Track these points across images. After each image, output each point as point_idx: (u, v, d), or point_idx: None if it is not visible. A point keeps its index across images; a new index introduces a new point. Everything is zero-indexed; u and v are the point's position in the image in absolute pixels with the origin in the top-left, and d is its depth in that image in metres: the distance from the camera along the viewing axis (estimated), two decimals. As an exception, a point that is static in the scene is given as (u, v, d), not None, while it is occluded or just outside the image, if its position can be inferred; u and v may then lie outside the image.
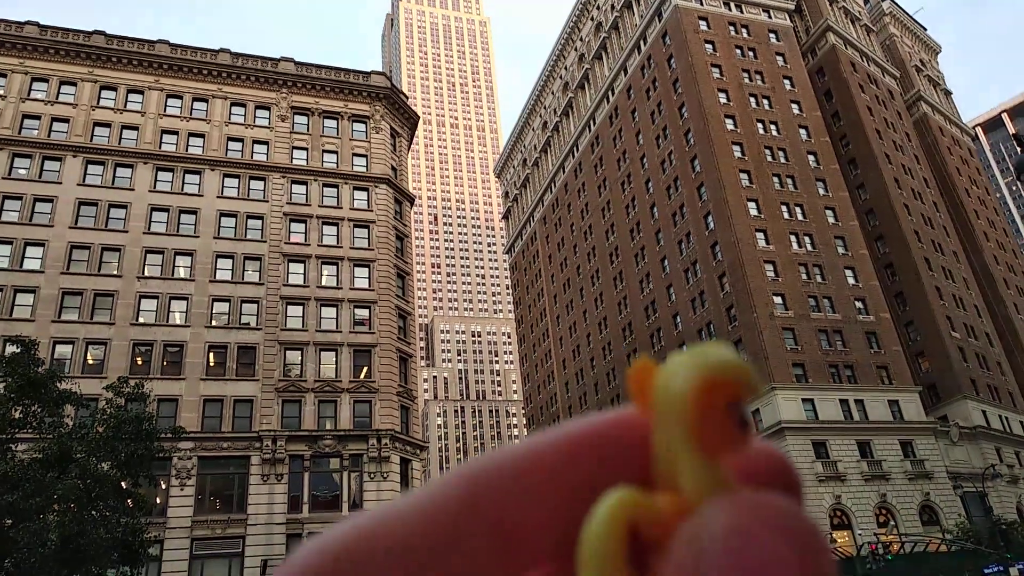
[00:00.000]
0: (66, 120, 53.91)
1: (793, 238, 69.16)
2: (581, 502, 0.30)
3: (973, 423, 66.06)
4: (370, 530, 0.31)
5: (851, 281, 68.20)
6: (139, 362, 46.46)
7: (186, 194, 53.75)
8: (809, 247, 69.10)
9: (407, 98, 68.34)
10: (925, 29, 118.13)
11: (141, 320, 48.02)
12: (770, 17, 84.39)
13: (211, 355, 48.39)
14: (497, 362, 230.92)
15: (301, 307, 51.85)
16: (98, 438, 28.42)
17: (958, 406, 68.01)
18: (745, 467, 0.29)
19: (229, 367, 48.19)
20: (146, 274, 49.90)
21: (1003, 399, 74.43)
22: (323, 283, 53.37)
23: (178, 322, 48.82)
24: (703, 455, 0.27)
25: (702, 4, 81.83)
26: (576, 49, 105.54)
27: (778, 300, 64.81)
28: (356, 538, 0.31)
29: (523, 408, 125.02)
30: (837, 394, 61.55)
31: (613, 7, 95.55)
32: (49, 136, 52.89)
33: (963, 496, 52.77)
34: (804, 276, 67.08)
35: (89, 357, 45.90)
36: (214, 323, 49.45)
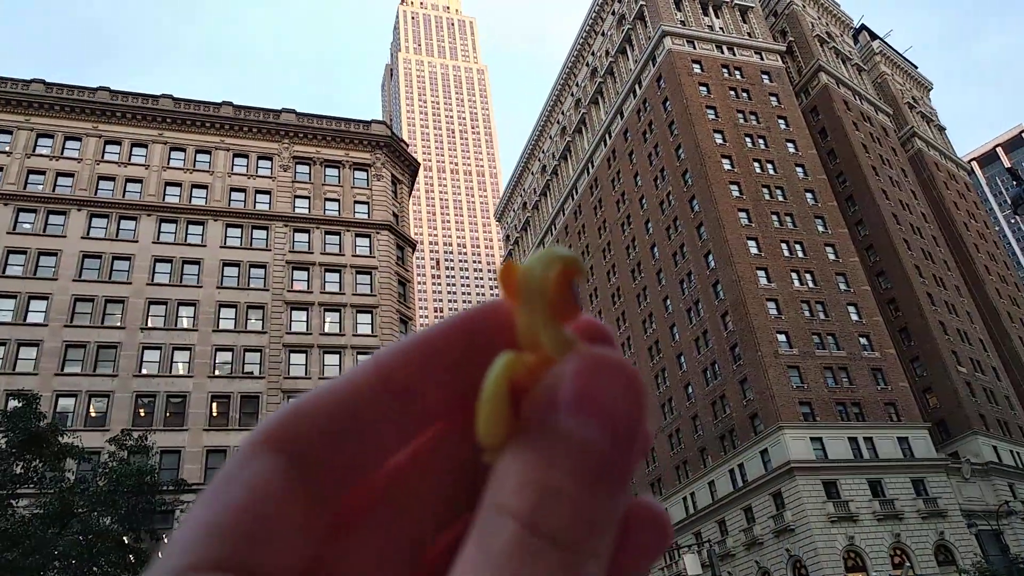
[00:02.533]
0: (71, 175, 54.54)
1: (794, 275, 69.25)
2: (468, 365, 0.40)
3: (984, 459, 65.16)
4: (320, 399, 0.39)
5: (854, 317, 68.04)
6: (142, 414, 46.17)
7: (189, 244, 54.09)
8: (811, 284, 69.14)
9: (407, 145, 69.22)
10: (916, 67, 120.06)
11: (144, 371, 47.87)
12: (762, 59, 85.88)
13: (214, 405, 48.11)
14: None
15: (304, 355, 51.75)
16: (99, 492, 28.15)
17: (968, 442, 67.19)
18: (579, 329, 0.40)
19: (232, 417, 47.87)
20: (149, 325, 49.91)
21: (1013, 434, 73.56)
22: (326, 330, 53.35)
23: (181, 372, 48.66)
24: (556, 321, 0.38)
25: (695, 48, 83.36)
26: (573, 94, 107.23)
27: (782, 338, 64.58)
28: (314, 404, 0.39)
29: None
30: (846, 432, 60.87)
31: (608, 52, 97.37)
32: (54, 191, 53.47)
33: (978, 534, 51.80)
34: (807, 313, 66.96)
35: (92, 410, 45.63)
36: (217, 373, 49.27)
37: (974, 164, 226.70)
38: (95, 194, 54.22)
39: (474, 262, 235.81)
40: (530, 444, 0.34)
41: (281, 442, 0.38)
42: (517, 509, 0.32)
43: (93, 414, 45.51)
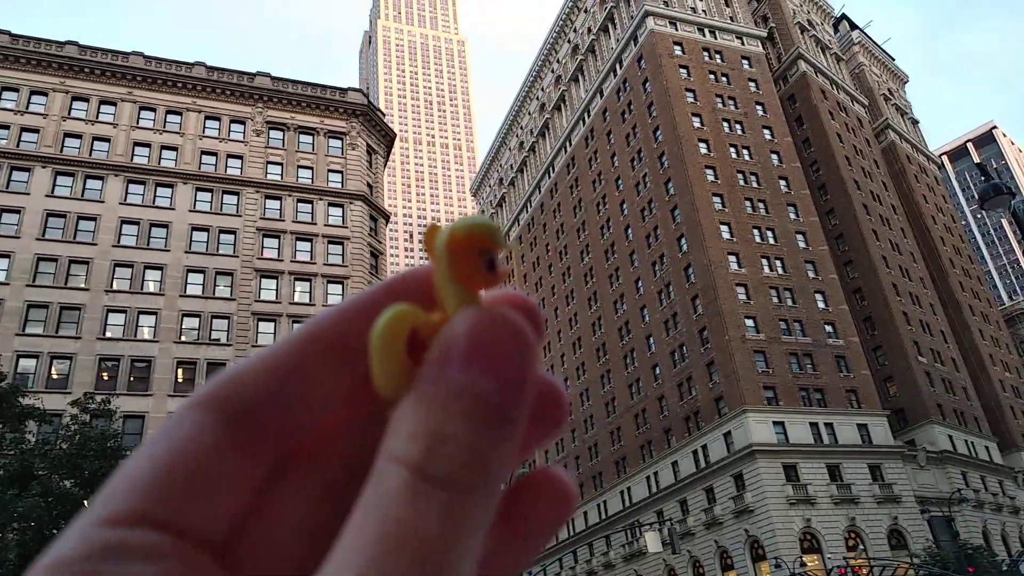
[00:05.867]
0: (36, 131, 52.98)
1: (764, 262, 70.05)
2: None
3: (940, 448, 67.01)
4: (258, 360, 0.41)
5: (821, 305, 69.14)
6: (105, 377, 45.43)
7: (158, 207, 52.99)
8: (780, 271, 70.01)
9: (384, 115, 68.30)
10: (893, 59, 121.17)
11: (108, 335, 47.02)
12: (743, 44, 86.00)
13: (180, 371, 47.49)
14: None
15: (273, 323, 51.22)
16: (61, 455, 27.70)
17: (925, 431, 68.98)
18: (498, 300, 0.42)
19: (198, 383, 47.23)
20: (114, 288, 48.94)
21: (969, 424, 75.66)
22: (295, 299, 52.82)
23: (146, 337, 47.88)
24: (458, 283, 0.40)
25: (676, 29, 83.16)
26: (553, 71, 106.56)
27: (750, 323, 65.46)
28: (252, 366, 0.41)
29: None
30: (807, 417, 62.14)
31: (590, 30, 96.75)
32: (18, 146, 51.93)
33: (930, 520, 53.35)
34: (775, 300, 67.87)
35: (54, 372, 44.79)
36: (183, 339, 48.58)
37: (945, 158, 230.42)
38: (61, 151, 52.79)
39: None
40: (424, 394, 0.36)
41: (217, 401, 0.40)
42: (408, 456, 0.34)
43: (55, 376, 44.69)
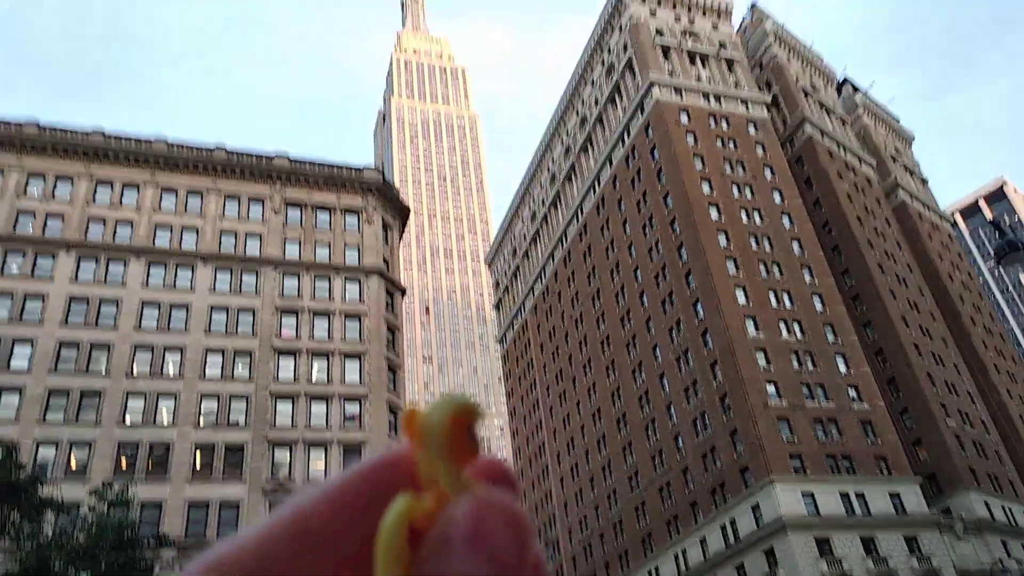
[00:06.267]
0: (61, 216, 54.34)
1: (783, 325, 69.41)
2: (377, 511, 0.44)
3: (977, 515, 64.49)
4: (239, 545, 0.43)
5: (842, 368, 68.08)
6: (124, 464, 45.18)
7: (178, 289, 53.73)
8: (799, 334, 69.27)
9: (398, 191, 69.56)
10: (897, 120, 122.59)
11: (128, 420, 47.01)
12: (748, 110, 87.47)
13: (198, 455, 47.18)
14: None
15: (291, 403, 51.05)
16: (78, 548, 27.36)
17: (960, 498, 66.57)
18: (479, 471, 0.45)
19: (216, 467, 46.93)
20: (135, 372, 49.21)
21: (1004, 489, 73.11)
22: (314, 378, 52.76)
23: (165, 422, 47.80)
24: (452, 464, 0.42)
25: (682, 98, 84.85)
26: (563, 142, 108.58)
27: (771, 389, 64.40)
28: (234, 551, 0.43)
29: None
30: (837, 486, 60.26)
31: (597, 101, 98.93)
32: (43, 233, 53.17)
33: (972, 593, 51.09)
34: (795, 364, 66.94)
35: (73, 460, 44.64)
36: (201, 423, 48.43)
37: (957, 216, 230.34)
38: (85, 237, 53.97)
39: (463, 308, 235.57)
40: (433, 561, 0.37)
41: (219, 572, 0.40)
42: None
43: (74, 465, 44.49)
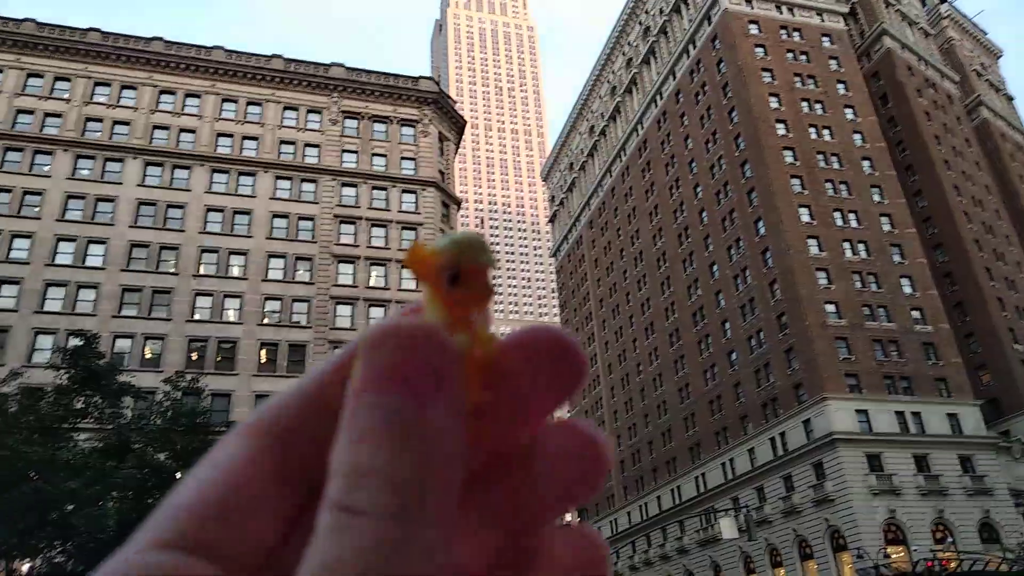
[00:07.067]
0: (127, 123, 55.54)
1: (847, 245, 67.51)
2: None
3: (1036, 439, 63.48)
4: (296, 392, 0.43)
5: (907, 290, 66.25)
6: (194, 357, 47.54)
7: (240, 195, 54.90)
8: (864, 255, 67.37)
9: (454, 103, 68.75)
10: (986, 33, 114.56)
11: (196, 317, 49.17)
12: (823, 20, 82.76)
13: (263, 352, 49.29)
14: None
15: (350, 307, 52.52)
16: (155, 430, 29.16)
17: (1021, 421, 65.46)
18: (527, 334, 0.42)
19: (280, 364, 49.00)
20: (201, 272, 51.08)
21: (1068, 415, 71.36)
22: (371, 283, 53.98)
23: (232, 319, 49.83)
24: (439, 300, 0.40)
25: (752, 8, 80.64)
26: (624, 54, 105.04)
27: (831, 308, 63.28)
28: (289, 398, 0.43)
29: (567, 413, 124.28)
30: (892, 405, 59.74)
31: (662, 11, 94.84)
32: (111, 138, 54.54)
33: (1025, 514, 50.80)
34: (858, 284, 65.39)
35: (147, 351, 47.15)
36: (266, 321, 50.37)
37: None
38: (150, 143, 55.19)
39: (519, 222, 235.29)
40: (342, 432, 0.35)
41: (260, 428, 0.41)
42: (331, 497, 0.33)
43: (148, 355, 47.04)
